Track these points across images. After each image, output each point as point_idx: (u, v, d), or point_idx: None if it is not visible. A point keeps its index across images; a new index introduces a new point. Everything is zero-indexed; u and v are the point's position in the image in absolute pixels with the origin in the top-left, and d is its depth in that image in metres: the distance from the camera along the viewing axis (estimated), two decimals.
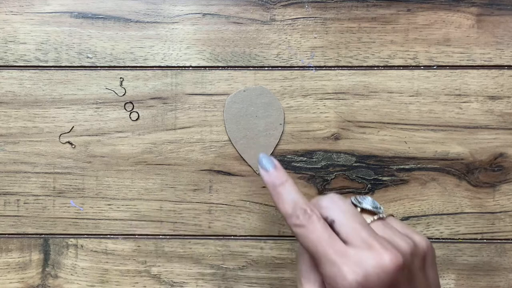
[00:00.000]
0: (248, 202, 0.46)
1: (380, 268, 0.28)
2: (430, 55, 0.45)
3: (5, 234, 0.46)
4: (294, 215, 0.31)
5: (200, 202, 0.46)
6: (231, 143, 0.45)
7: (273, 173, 0.33)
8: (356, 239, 0.29)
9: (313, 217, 0.30)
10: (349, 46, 0.45)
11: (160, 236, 0.46)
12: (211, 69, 0.45)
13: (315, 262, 0.30)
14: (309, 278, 0.32)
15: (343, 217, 0.30)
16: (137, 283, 0.46)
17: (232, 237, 0.46)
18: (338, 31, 0.45)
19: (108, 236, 0.46)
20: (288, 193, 0.32)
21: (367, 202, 0.33)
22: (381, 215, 0.32)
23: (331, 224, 0.31)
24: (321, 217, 0.31)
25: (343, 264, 0.29)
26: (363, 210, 0.32)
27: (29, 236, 0.46)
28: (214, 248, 0.46)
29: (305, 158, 0.45)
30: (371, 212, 0.32)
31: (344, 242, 0.30)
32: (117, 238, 0.46)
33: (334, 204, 0.31)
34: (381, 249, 0.29)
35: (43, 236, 0.46)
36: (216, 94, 0.45)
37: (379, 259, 0.29)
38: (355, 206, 0.32)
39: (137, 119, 0.45)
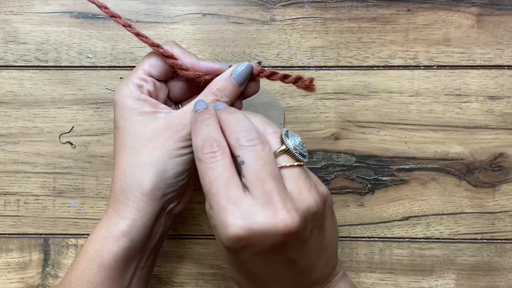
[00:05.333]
0: None
1: (269, 228, 0.27)
2: (430, 55, 0.45)
3: (5, 234, 0.46)
4: (200, 149, 0.29)
5: (200, 202, 0.46)
6: None
7: (201, 112, 0.32)
8: (257, 189, 0.27)
9: (217, 154, 0.28)
10: (349, 46, 0.45)
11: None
12: None
13: (207, 201, 0.29)
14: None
15: (253, 162, 0.28)
16: None
17: None
18: (338, 31, 0.45)
19: None
20: (205, 126, 0.30)
21: (293, 143, 0.30)
22: (301, 163, 0.30)
23: (240, 164, 0.28)
24: (228, 155, 0.29)
25: (230, 213, 0.27)
26: (286, 151, 0.30)
27: (29, 236, 0.46)
28: (214, 248, 0.46)
29: None
30: (292, 155, 0.30)
31: (246, 187, 0.28)
32: None
33: (250, 143, 0.28)
34: (279, 209, 0.27)
35: (43, 236, 0.46)
36: None
37: (272, 218, 0.27)
38: (282, 141, 0.30)
39: None
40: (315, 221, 0.30)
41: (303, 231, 0.28)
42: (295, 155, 0.30)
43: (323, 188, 0.31)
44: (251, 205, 0.27)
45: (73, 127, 0.45)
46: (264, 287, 0.31)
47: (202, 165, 0.29)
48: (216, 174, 0.28)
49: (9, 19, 0.45)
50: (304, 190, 0.29)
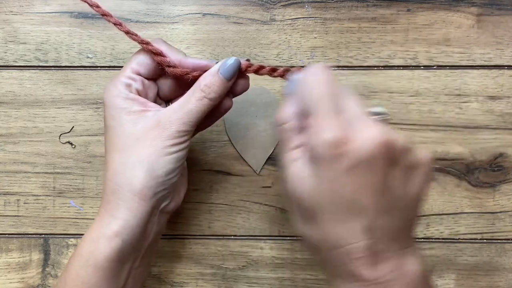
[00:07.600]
0: (248, 202, 0.46)
1: (368, 138, 0.28)
2: (430, 55, 0.45)
3: (5, 234, 0.46)
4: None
5: (200, 202, 0.46)
6: (231, 143, 0.45)
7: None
8: (360, 119, 0.29)
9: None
10: (349, 46, 0.45)
11: (160, 236, 0.46)
12: None
13: (310, 112, 0.30)
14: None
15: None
16: None
17: (232, 237, 0.46)
18: (338, 31, 0.45)
19: None
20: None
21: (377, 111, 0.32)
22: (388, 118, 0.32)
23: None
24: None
25: (334, 120, 0.29)
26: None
27: (29, 236, 0.46)
28: (214, 248, 0.46)
29: None
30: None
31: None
32: None
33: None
34: (379, 128, 0.28)
35: (43, 236, 0.46)
36: None
37: (372, 131, 0.28)
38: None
39: None
40: (401, 161, 0.29)
41: (395, 153, 0.28)
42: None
43: (426, 153, 0.31)
44: (351, 120, 0.29)
45: (73, 127, 0.45)
46: (336, 219, 0.30)
47: (313, 81, 0.31)
48: (327, 88, 0.30)
49: (9, 19, 0.45)
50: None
